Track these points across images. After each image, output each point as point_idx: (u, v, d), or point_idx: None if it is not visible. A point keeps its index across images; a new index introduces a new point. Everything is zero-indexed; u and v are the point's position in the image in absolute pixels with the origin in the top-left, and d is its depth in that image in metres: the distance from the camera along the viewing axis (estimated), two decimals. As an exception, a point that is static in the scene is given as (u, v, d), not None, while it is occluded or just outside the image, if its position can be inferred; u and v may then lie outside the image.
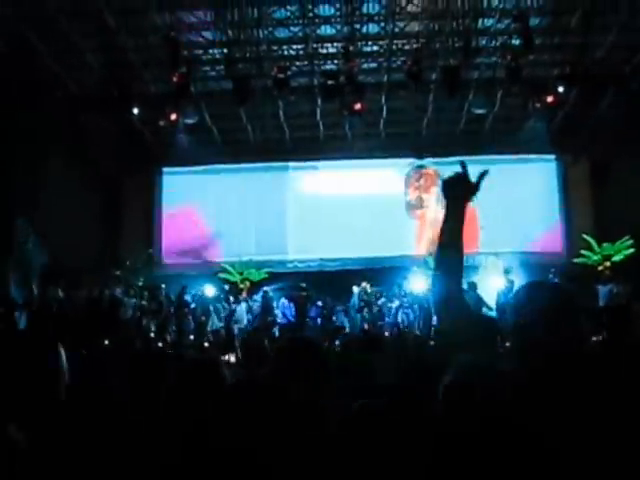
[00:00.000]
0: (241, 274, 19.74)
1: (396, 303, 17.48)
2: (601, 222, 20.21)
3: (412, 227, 21.58)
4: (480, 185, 2.84)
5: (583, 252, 18.90)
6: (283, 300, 17.81)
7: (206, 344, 15.68)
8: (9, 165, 15.42)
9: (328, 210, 20.98)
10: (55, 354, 3.04)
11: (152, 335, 15.90)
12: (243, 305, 17.75)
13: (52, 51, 16.59)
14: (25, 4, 14.92)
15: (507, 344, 3.54)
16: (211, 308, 17.46)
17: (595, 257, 18.37)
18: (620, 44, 17.17)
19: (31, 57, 16.01)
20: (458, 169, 2.86)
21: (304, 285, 17.92)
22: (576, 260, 19.02)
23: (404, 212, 21.68)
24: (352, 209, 20.83)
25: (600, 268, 17.99)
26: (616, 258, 17.94)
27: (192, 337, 16.38)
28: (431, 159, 21.22)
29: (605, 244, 18.41)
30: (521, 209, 20.63)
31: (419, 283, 17.26)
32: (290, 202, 21.69)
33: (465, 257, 2.82)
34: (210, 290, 18.24)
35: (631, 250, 17.66)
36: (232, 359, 12.19)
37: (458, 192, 2.85)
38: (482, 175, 2.83)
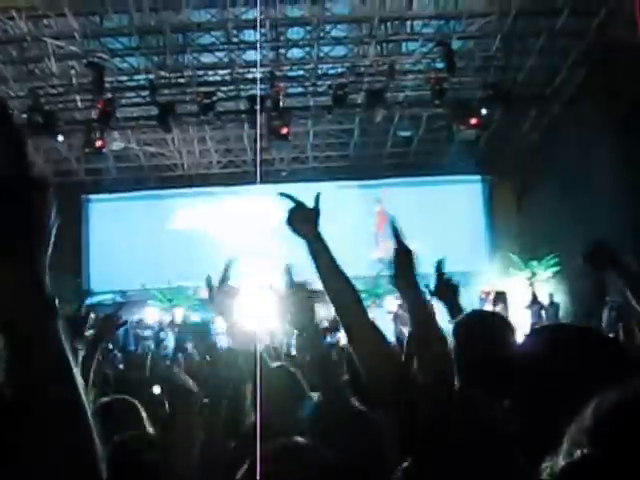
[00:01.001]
0: (170, 301, 19.58)
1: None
2: (525, 241, 20.48)
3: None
4: (317, 210, 2.65)
5: (509, 270, 19.08)
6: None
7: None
8: None
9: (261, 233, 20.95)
10: None
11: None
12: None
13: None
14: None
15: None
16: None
17: (521, 274, 18.58)
18: (541, 67, 17.50)
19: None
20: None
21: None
22: (501, 277, 19.25)
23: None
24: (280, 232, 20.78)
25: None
26: (541, 276, 18.14)
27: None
28: (355, 182, 21.26)
29: (531, 261, 18.64)
30: (448, 229, 20.76)
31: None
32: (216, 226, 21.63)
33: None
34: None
35: (555, 268, 17.88)
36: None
37: (302, 225, 2.61)
38: (317, 198, 2.68)
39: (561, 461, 1.27)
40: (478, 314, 3.83)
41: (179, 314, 19.25)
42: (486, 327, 3.10)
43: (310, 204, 2.62)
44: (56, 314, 1.16)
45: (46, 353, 1.14)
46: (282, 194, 2.72)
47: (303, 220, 2.58)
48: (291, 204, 2.62)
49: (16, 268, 1.12)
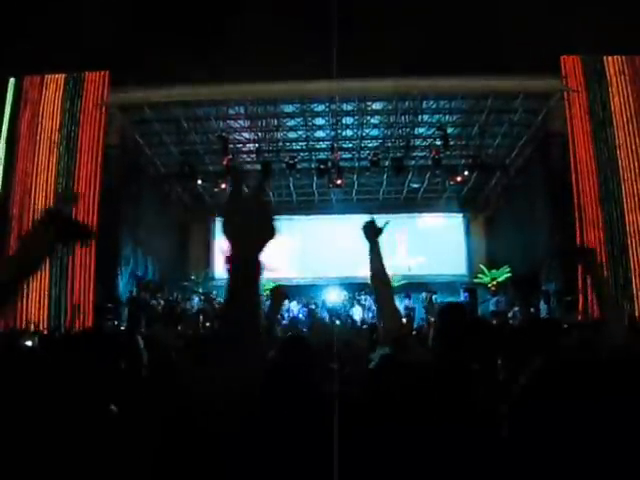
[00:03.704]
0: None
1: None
2: (490, 255, 20.39)
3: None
4: (384, 230, 2.72)
5: (479, 275, 18.98)
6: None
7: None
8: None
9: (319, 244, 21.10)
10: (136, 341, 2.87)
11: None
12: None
13: (147, 144, 16.92)
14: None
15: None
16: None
17: (486, 279, 18.45)
18: (503, 145, 17.53)
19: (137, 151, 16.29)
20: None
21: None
22: (475, 280, 19.06)
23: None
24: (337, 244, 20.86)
25: (489, 285, 18.07)
26: (499, 279, 18.04)
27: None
28: (383, 215, 21.16)
29: (493, 270, 18.51)
30: (441, 247, 20.75)
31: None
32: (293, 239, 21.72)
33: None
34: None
35: (508, 275, 17.79)
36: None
37: (371, 234, 2.71)
38: (385, 224, 2.75)
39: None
40: (453, 304, 3.95)
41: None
42: (458, 311, 2.96)
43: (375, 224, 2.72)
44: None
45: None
46: (370, 214, 2.87)
47: (372, 230, 2.72)
48: (369, 219, 2.74)
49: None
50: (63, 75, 14.81)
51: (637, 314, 13.19)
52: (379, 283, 2.66)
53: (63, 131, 14.59)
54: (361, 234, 2.72)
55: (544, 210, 15.44)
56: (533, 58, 14.02)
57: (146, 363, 2.78)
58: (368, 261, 2.67)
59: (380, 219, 2.78)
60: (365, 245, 2.70)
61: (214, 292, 18.02)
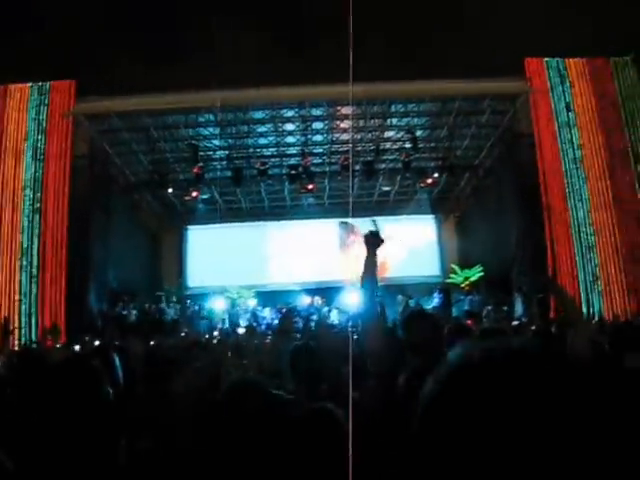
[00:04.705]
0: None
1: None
2: (462, 255, 20.55)
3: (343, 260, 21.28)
4: (384, 241, 2.77)
5: (452, 276, 19.04)
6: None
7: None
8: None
9: (292, 250, 21.05)
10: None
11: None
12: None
13: (116, 153, 16.72)
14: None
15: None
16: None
17: (459, 279, 18.52)
18: (471, 147, 17.72)
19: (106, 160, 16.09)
20: (372, 226, 2.82)
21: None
22: (448, 280, 19.09)
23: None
24: (307, 250, 20.89)
25: (463, 285, 18.15)
26: (472, 279, 18.13)
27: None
28: (356, 219, 21.01)
29: (465, 270, 18.62)
30: (414, 248, 20.83)
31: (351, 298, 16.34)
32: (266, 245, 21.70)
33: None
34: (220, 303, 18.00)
35: (481, 274, 17.90)
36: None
37: (372, 244, 2.74)
38: (388, 237, 2.81)
39: None
40: (417, 311, 3.98)
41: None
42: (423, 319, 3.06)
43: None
44: None
45: None
46: (373, 220, 2.86)
47: (374, 241, 2.75)
48: (373, 230, 2.78)
49: None
50: (28, 84, 14.58)
51: (606, 312, 13.49)
52: (368, 288, 2.69)
53: (29, 140, 14.35)
54: (363, 242, 2.76)
55: (513, 209, 15.67)
56: (498, 60, 14.25)
57: (122, 383, 2.73)
58: (362, 267, 2.69)
59: (379, 223, 2.87)
60: (364, 253, 2.73)
61: (189, 301, 17.90)
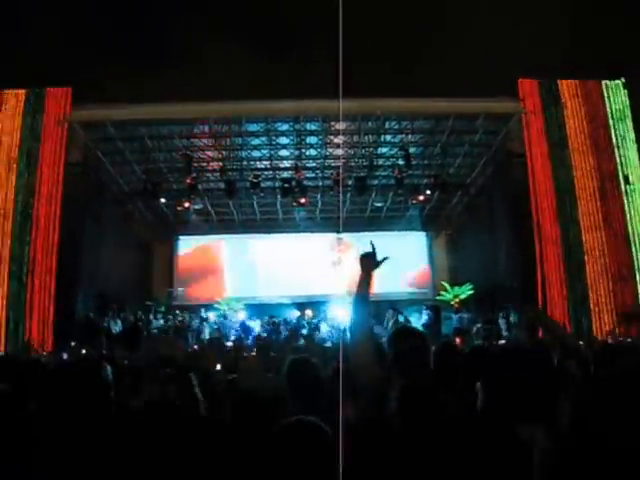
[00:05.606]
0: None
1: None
2: (453, 273, 20.58)
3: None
4: (381, 264, 2.71)
5: (442, 293, 18.98)
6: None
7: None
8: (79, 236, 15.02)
9: (283, 263, 21.03)
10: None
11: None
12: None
13: (109, 162, 16.68)
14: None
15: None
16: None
17: (449, 296, 18.51)
18: (463, 165, 17.79)
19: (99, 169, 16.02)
20: (367, 244, 2.76)
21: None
22: (438, 297, 19.04)
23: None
24: (298, 264, 20.88)
25: (452, 302, 18.13)
26: (462, 297, 18.15)
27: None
28: (347, 234, 21.25)
29: (455, 287, 18.63)
30: (405, 265, 20.82)
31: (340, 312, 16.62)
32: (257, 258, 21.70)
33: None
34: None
35: (471, 292, 17.92)
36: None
37: (368, 267, 2.68)
38: (384, 259, 2.72)
39: None
40: (405, 328, 3.93)
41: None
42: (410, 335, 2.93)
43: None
44: None
45: None
46: (371, 242, 2.75)
47: (370, 262, 2.69)
48: (369, 251, 2.70)
49: None
50: (23, 90, 14.55)
51: (594, 332, 13.54)
52: (359, 306, 2.65)
53: (23, 147, 14.29)
54: (358, 264, 2.69)
55: (504, 228, 15.72)
56: (492, 80, 14.36)
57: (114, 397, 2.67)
58: (356, 286, 2.65)
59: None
60: (358, 272, 2.67)
61: (177, 312, 17.79)
